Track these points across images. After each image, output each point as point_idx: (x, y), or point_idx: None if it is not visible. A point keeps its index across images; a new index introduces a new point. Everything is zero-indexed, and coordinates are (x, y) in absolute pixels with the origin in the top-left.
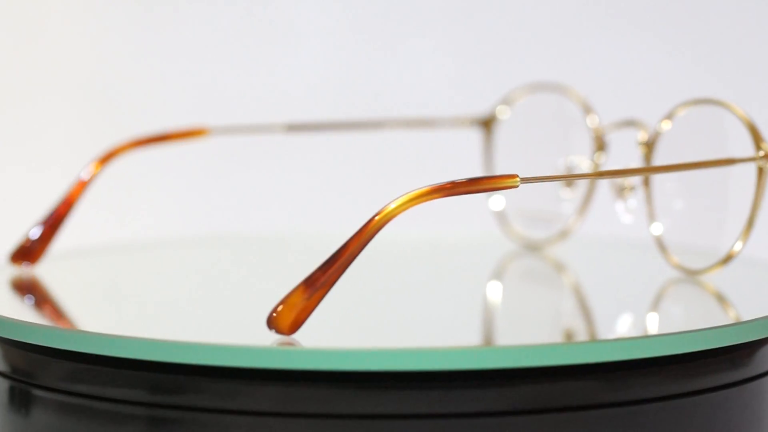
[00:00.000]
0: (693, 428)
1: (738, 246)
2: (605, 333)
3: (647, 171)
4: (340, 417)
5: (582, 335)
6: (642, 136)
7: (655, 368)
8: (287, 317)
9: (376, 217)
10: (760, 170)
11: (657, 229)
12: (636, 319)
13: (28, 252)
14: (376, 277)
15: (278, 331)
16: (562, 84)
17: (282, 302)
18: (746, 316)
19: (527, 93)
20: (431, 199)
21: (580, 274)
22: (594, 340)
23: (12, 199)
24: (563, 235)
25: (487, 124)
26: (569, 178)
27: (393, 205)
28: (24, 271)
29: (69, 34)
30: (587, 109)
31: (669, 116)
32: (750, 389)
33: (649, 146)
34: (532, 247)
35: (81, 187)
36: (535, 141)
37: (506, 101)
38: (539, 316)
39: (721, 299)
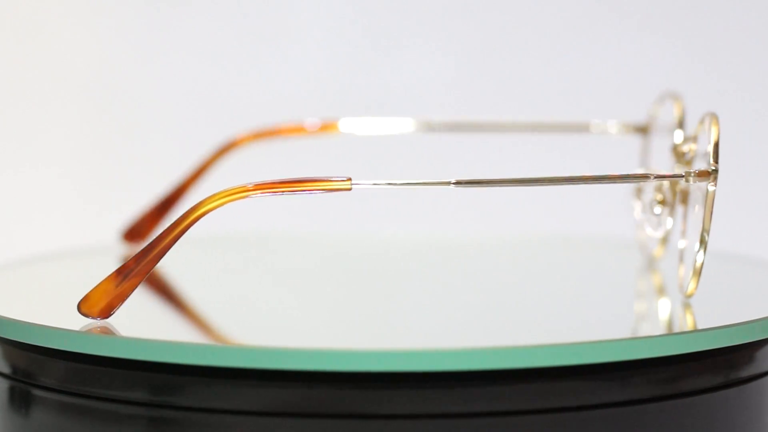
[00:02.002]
0: (693, 428)
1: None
2: (605, 333)
3: (525, 182)
4: (340, 417)
5: (582, 335)
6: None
7: (655, 368)
8: (97, 302)
9: (191, 212)
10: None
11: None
12: (636, 320)
13: (137, 232)
14: (376, 278)
15: (87, 315)
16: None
17: (93, 288)
18: (746, 316)
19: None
20: (248, 196)
21: (580, 274)
22: (594, 341)
23: (12, 200)
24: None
25: (644, 130)
26: (406, 185)
27: (211, 201)
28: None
29: (69, 34)
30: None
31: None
32: (750, 389)
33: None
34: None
35: (198, 173)
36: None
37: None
38: (539, 316)
39: (721, 300)
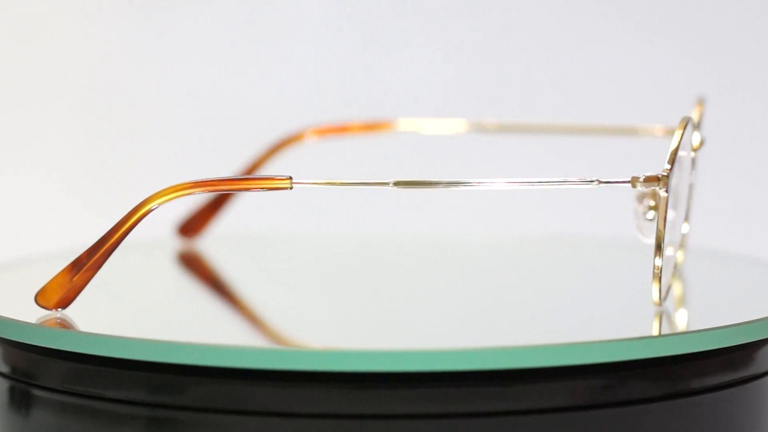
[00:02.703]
0: (693, 428)
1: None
2: (605, 333)
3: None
4: (340, 417)
5: (582, 336)
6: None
7: (655, 368)
8: (53, 295)
9: (138, 208)
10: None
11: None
12: (636, 320)
13: (191, 227)
14: (376, 278)
15: (44, 307)
16: None
17: (49, 281)
18: (746, 316)
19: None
20: (192, 192)
21: (580, 274)
22: (594, 341)
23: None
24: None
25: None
26: (345, 185)
27: (157, 197)
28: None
29: (70, 35)
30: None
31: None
32: (750, 389)
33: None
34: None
35: (253, 168)
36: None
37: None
38: (539, 316)
39: (720, 299)
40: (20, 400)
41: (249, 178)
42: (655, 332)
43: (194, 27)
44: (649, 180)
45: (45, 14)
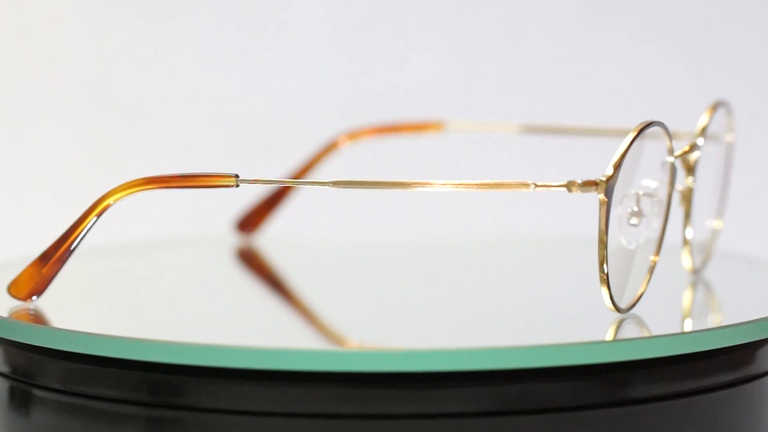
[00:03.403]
0: (693, 428)
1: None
2: (605, 334)
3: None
4: (340, 417)
5: (582, 335)
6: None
7: (655, 368)
8: (25, 286)
9: (97, 204)
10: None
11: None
12: (636, 320)
13: (250, 222)
14: (375, 278)
15: (16, 297)
16: None
17: (20, 273)
18: (746, 317)
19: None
20: (146, 189)
21: (580, 274)
22: (594, 341)
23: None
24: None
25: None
26: (288, 183)
27: (113, 194)
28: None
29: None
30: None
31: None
32: (750, 389)
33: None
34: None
35: (310, 165)
36: None
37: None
38: (539, 316)
39: (720, 299)
40: (20, 400)
41: (197, 175)
42: (654, 333)
43: (195, 26)
44: (586, 184)
45: (44, 14)
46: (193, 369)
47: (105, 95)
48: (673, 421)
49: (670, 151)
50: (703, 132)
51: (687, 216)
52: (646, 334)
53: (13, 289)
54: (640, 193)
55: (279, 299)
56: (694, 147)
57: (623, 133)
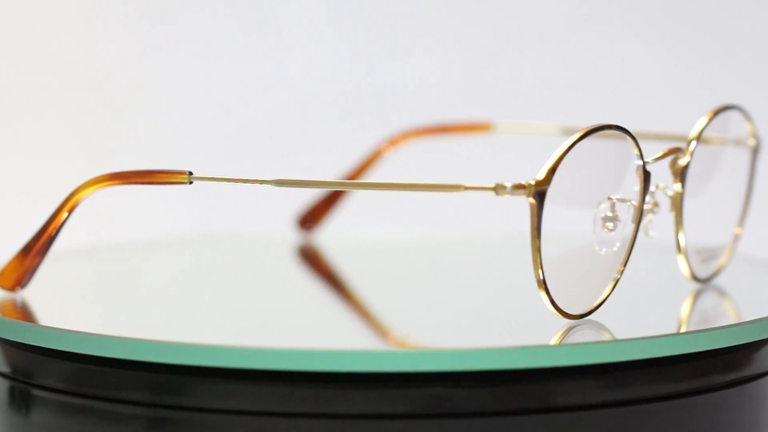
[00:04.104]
0: (693, 428)
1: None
2: (605, 334)
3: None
4: (340, 417)
5: (581, 336)
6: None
7: (655, 368)
8: (10, 276)
9: (68, 199)
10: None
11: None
12: (636, 320)
13: (310, 219)
14: (374, 278)
15: (2, 287)
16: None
17: (7, 263)
18: (746, 317)
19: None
20: (109, 185)
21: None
22: (594, 341)
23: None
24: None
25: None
26: (232, 181)
27: (81, 189)
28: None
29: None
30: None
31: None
32: (750, 389)
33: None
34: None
35: (367, 164)
36: None
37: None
38: (538, 315)
39: (720, 299)
40: (20, 400)
41: (153, 172)
42: (654, 332)
43: (196, 26)
44: (516, 188)
45: (44, 14)
46: (193, 369)
47: (105, 95)
48: (673, 421)
49: (639, 156)
50: (699, 137)
51: (678, 222)
52: (646, 334)
53: (0, 279)
54: (614, 198)
55: (276, 299)
56: (673, 152)
57: (673, 138)
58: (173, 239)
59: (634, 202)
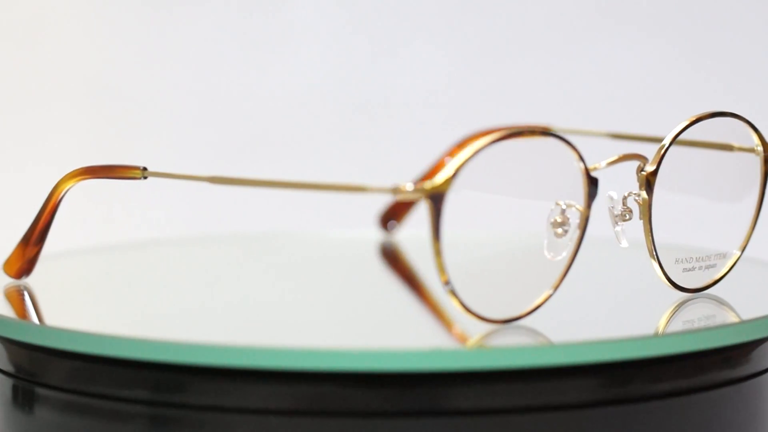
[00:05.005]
0: (692, 427)
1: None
2: (602, 333)
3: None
4: (340, 417)
5: (580, 335)
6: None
7: (655, 368)
8: (14, 265)
9: (53, 193)
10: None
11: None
12: (636, 319)
13: (390, 216)
14: (373, 278)
15: (8, 275)
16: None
17: (12, 253)
18: (746, 316)
19: None
20: (82, 179)
21: (578, 274)
22: (592, 340)
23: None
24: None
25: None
26: (191, 179)
27: (61, 184)
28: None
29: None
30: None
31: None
32: (748, 387)
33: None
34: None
35: (438, 167)
36: None
37: None
38: (537, 315)
39: (720, 299)
40: (23, 399)
41: (112, 167)
42: (655, 332)
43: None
44: (416, 191)
45: (46, 14)
46: (195, 368)
47: (106, 94)
48: (673, 420)
49: (578, 160)
50: (670, 143)
51: (647, 231)
52: (645, 334)
53: (6, 267)
54: (562, 203)
55: (276, 299)
56: (630, 158)
57: (723, 147)
58: (180, 239)
59: (580, 207)
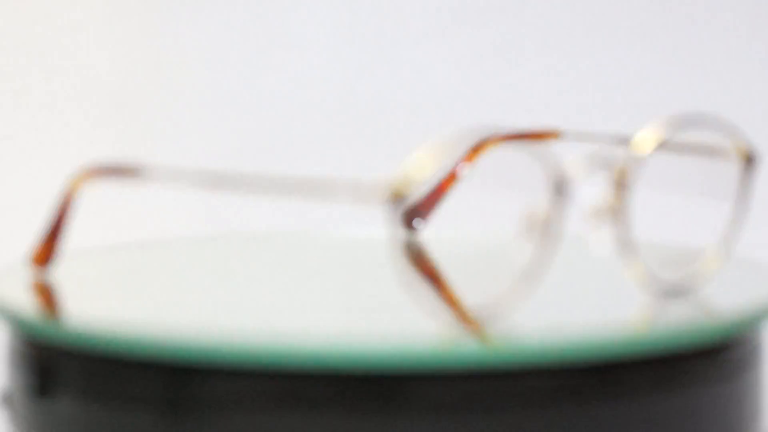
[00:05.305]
0: (692, 426)
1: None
2: (600, 332)
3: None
4: (340, 416)
5: (560, 335)
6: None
7: (653, 367)
8: (41, 257)
9: (67, 194)
10: None
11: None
12: (635, 319)
13: (415, 214)
14: (372, 279)
15: (36, 264)
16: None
17: (38, 245)
18: (745, 316)
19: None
20: (82, 182)
21: (577, 274)
22: (591, 340)
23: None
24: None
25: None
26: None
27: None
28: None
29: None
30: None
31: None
32: (748, 387)
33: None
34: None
35: (455, 173)
36: None
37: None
38: (537, 315)
39: (719, 299)
40: (41, 395)
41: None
42: (652, 331)
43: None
44: (380, 192)
45: (49, 15)
46: (193, 369)
47: (109, 93)
48: (672, 420)
49: (545, 166)
50: (637, 147)
51: (624, 231)
52: (644, 332)
53: (35, 259)
54: (531, 208)
55: (275, 298)
56: (600, 159)
57: (701, 147)
58: (181, 238)
59: (553, 208)
